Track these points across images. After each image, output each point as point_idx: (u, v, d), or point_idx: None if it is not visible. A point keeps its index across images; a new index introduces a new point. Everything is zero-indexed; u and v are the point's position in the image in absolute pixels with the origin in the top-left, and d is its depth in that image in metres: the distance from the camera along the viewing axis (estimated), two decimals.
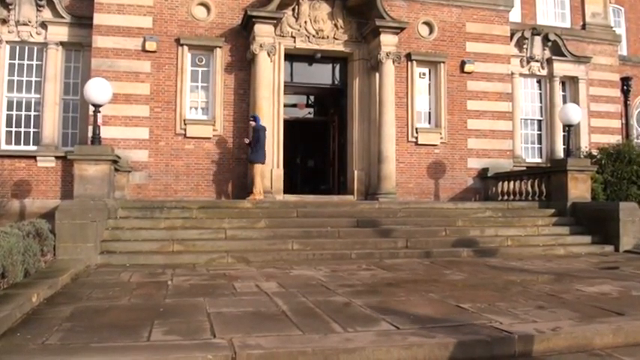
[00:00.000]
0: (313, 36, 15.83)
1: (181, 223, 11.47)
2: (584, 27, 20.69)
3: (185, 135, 15.13)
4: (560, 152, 18.80)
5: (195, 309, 5.97)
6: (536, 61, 19.28)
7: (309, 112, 19.31)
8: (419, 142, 16.72)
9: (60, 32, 15.47)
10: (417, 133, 16.72)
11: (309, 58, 16.44)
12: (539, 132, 19.70)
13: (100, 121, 12.36)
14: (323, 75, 17.11)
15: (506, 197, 15.75)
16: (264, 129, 14.15)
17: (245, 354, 4.35)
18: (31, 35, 15.35)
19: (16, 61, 15.61)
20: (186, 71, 15.35)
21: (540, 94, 19.78)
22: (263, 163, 14.08)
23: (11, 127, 15.52)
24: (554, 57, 19.34)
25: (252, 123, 14.24)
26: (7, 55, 15.49)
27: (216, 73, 15.45)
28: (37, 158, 15.08)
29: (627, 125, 21.65)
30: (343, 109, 17.03)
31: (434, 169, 16.77)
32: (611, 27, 21.30)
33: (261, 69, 14.82)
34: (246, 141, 14.45)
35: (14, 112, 15.55)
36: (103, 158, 11.54)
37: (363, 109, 16.34)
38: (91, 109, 12.37)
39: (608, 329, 5.22)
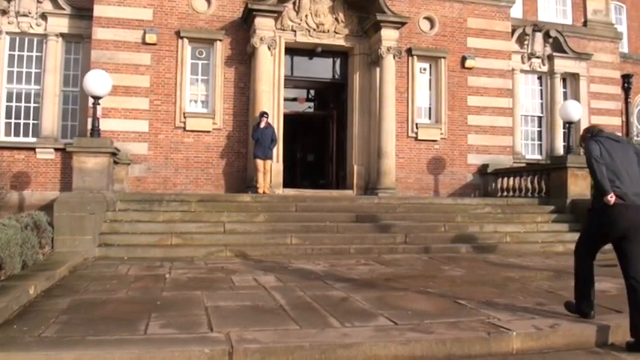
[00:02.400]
0: (314, 30, 15.78)
1: (180, 216, 11.45)
2: (585, 24, 20.65)
3: (185, 128, 15.10)
4: (560, 149, 18.78)
5: (192, 302, 5.96)
6: (537, 57, 19.24)
7: (309, 107, 19.27)
8: (419, 138, 16.70)
9: (60, 24, 15.42)
10: (417, 128, 16.69)
11: (309, 52, 16.38)
12: (539, 129, 19.67)
13: (99, 113, 12.32)
14: (323, 69, 17.07)
15: (505, 193, 15.73)
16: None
17: (242, 348, 4.34)
18: (31, 26, 15.29)
19: (16, 53, 15.56)
20: (186, 64, 15.31)
21: (541, 90, 19.75)
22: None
23: (11, 118, 15.48)
24: (555, 53, 19.30)
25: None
26: (7, 47, 15.44)
27: (216, 66, 15.41)
28: (37, 150, 15.05)
29: (627, 123, 21.63)
30: (343, 103, 16.99)
31: (434, 164, 16.75)
32: (613, 24, 21.26)
33: (261, 62, 14.78)
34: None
35: (14, 104, 15.52)
36: (102, 151, 11.50)
37: (363, 104, 16.30)
38: (91, 101, 12.34)
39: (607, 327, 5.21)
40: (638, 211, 5.11)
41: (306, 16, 15.72)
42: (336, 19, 15.95)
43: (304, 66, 16.70)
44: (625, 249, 5.20)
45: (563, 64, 19.44)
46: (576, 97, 18.80)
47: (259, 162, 14.00)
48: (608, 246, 11.26)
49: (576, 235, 12.12)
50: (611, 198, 5.06)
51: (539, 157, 19.33)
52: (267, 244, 10.64)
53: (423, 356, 4.60)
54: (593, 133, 5.55)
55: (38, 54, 15.61)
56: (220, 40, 15.39)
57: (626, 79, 21.37)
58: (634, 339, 4.94)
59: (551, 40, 19.25)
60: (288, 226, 11.38)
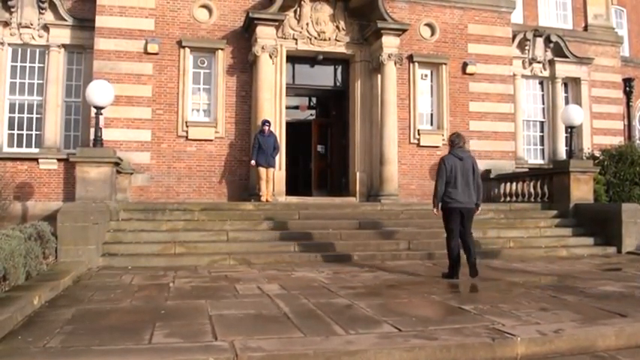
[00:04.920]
0: (315, 38, 15.82)
1: (183, 225, 11.47)
2: (586, 28, 20.69)
3: (187, 137, 15.13)
4: (562, 154, 18.77)
5: (196, 311, 5.96)
6: (538, 62, 19.28)
7: (311, 114, 19.29)
8: (421, 144, 16.69)
9: (62, 35, 15.48)
10: (419, 134, 16.69)
11: (310, 59, 16.43)
12: (541, 133, 19.69)
13: (101, 123, 12.37)
14: (325, 77, 17.12)
15: (508, 199, 15.72)
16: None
17: (246, 356, 4.34)
18: (33, 38, 15.36)
19: (18, 64, 15.62)
20: (188, 73, 15.35)
21: (542, 95, 19.77)
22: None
23: (13, 129, 15.53)
24: (556, 58, 19.34)
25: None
26: (10, 58, 15.51)
27: (218, 75, 15.46)
28: (39, 160, 15.09)
29: (629, 126, 21.63)
30: (345, 110, 17.02)
31: (436, 170, 16.69)
32: (613, 28, 21.30)
33: (262, 71, 14.82)
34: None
35: (16, 115, 15.57)
36: (105, 160, 11.55)
37: (364, 111, 16.32)
38: (93, 111, 12.38)
39: (611, 331, 5.20)
40: (465, 209, 8.44)
41: (307, 24, 15.76)
42: (337, 27, 15.99)
43: (306, 74, 16.75)
44: (463, 223, 8.50)
45: (564, 69, 19.47)
46: (578, 102, 18.81)
47: (262, 170, 14.00)
48: (612, 249, 11.52)
49: (580, 240, 12.43)
50: (434, 209, 8.73)
51: (541, 161, 19.33)
52: (270, 251, 10.65)
53: None
54: (451, 145, 8.82)
55: (40, 65, 15.66)
56: (222, 49, 15.44)
57: (628, 82, 21.38)
58: (470, 273, 8.34)
59: (552, 44, 19.28)
60: (291, 233, 11.39)
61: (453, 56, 17.18)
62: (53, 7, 15.38)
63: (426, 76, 17.20)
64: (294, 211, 12.57)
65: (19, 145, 15.53)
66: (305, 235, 11.38)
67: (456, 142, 8.75)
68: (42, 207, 14.63)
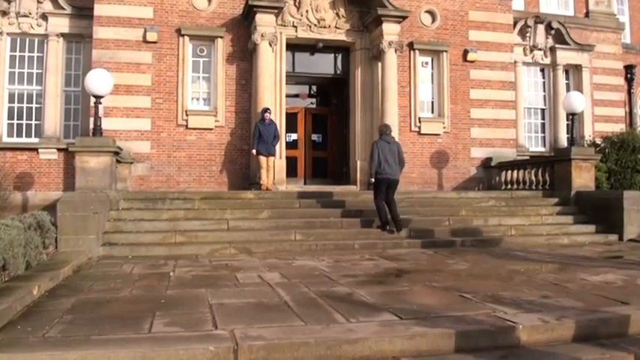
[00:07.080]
0: (315, 25, 15.75)
1: (183, 214, 11.43)
2: (587, 15, 20.56)
3: (187, 126, 15.10)
4: (563, 141, 18.72)
5: (197, 300, 5.94)
6: (540, 49, 19.18)
7: (312, 102, 19.22)
8: (422, 132, 16.66)
9: (60, 24, 15.43)
10: (419, 122, 16.65)
11: (311, 47, 16.37)
12: (542, 121, 19.62)
13: (101, 112, 12.32)
14: (325, 65, 17.06)
15: (509, 186, 15.69)
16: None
17: (247, 345, 4.31)
18: (31, 27, 15.31)
19: (17, 53, 15.58)
20: (188, 62, 15.30)
21: (544, 82, 19.70)
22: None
23: (13, 119, 15.51)
24: (557, 45, 19.23)
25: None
26: (8, 47, 15.46)
27: (217, 63, 15.40)
28: (39, 150, 15.07)
29: (631, 114, 21.52)
30: (345, 99, 16.97)
31: (437, 158, 16.71)
32: (615, 15, 21.16)
33: (262, 59, 14.75)
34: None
35: (16, 105, 15.54)
36: (105, 150, 11.50)
37: (365, 99, 16.26)
38: (93, 100, 12.33)
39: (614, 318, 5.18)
40: (389, 180, 11.15)
41: (307, 11, 15.69)
42: (337, 14, 15.92)
43: (306, 62, 16.69)
44: (388, 191, 11.18)
45: (565, 56, 19.38)
46: (579, 89, 18.72)
47: (262, 159, 13.97)
48: (613, 236, 11.50)
49: (582, 227, 12.46)
50: (372, 179, 11.25)
51: (542, 149, 19.29)
52: (271, 240, 10.61)
53: (428, 351, 4.56)
54: (381, 133, 11.52)
55: (39, 54, 15.62)
56: (221, 37, 15.38)
57: (629, 69, 21.21)
58: (396, 228, 11.12)
59: (553, 31, 19.17)
60: (291, 222, 11.35)
61: (453, 43, 17.10)
62: None
63: (426, 63, 17.13)
64: (294, 199, 12.54)
65: (19, 135, 15.51)
66: (306, 223, 11.35)
67: (384, 130, 11.47)
68: (42, 197, 14.63)
